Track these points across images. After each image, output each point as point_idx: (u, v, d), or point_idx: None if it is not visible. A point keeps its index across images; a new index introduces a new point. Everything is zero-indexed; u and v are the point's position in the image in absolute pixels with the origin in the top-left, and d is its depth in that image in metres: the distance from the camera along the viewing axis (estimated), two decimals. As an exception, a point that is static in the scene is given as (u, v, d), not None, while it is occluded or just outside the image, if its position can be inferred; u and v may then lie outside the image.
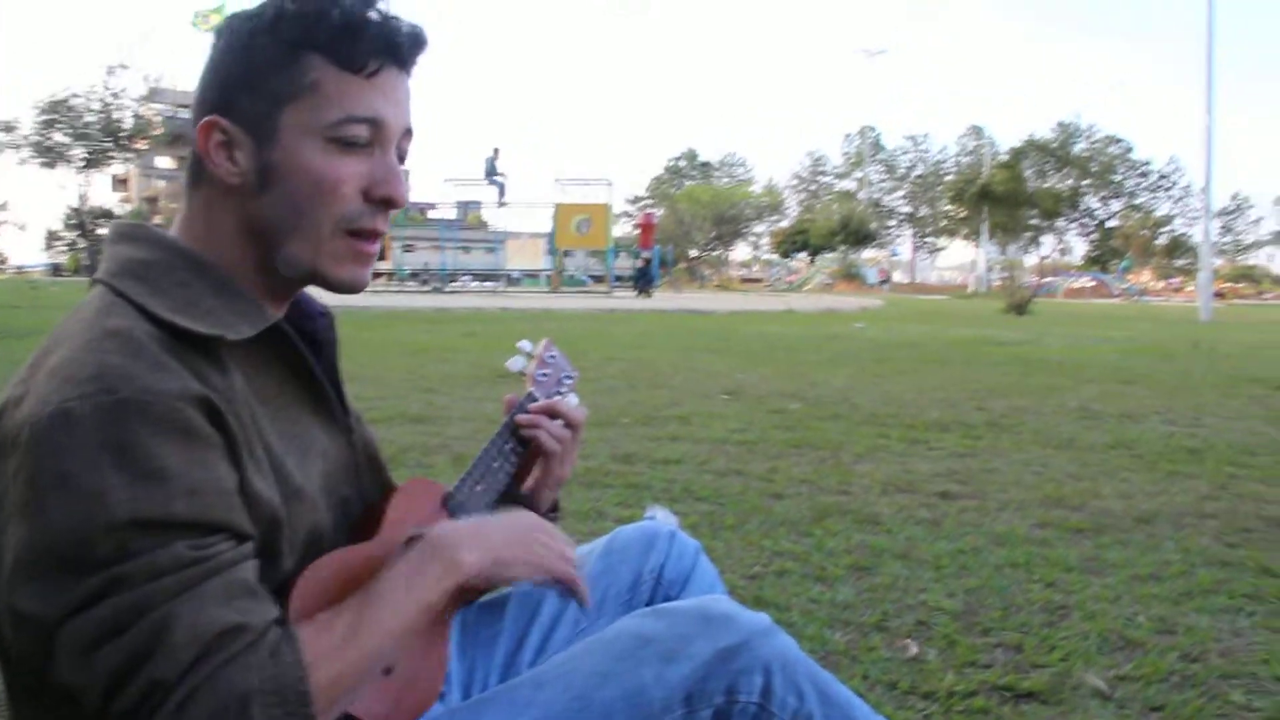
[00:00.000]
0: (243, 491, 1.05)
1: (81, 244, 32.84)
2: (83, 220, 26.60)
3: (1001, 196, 57.85)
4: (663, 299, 28.20)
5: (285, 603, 1.07)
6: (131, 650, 0.93)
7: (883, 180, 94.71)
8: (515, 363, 1.59)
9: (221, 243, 1.16)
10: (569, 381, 1.62)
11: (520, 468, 1.49)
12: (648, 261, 33.79)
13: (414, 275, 39.63)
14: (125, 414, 0.97)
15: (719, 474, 4.75)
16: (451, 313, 20.35)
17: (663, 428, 5.99)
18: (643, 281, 32.67)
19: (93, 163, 23.97)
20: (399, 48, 1.16)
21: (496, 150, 36.19)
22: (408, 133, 1.20)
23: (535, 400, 1.52)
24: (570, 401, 1.58)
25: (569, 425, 1.50)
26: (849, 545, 3.60)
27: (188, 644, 0.94)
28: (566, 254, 40.02)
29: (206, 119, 1.13)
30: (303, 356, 1.20)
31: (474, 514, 1.31)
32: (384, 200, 1.18)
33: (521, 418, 1.49)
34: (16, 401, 1.03)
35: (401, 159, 1.21)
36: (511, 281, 41.04)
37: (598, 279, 41.70)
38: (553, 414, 1.50)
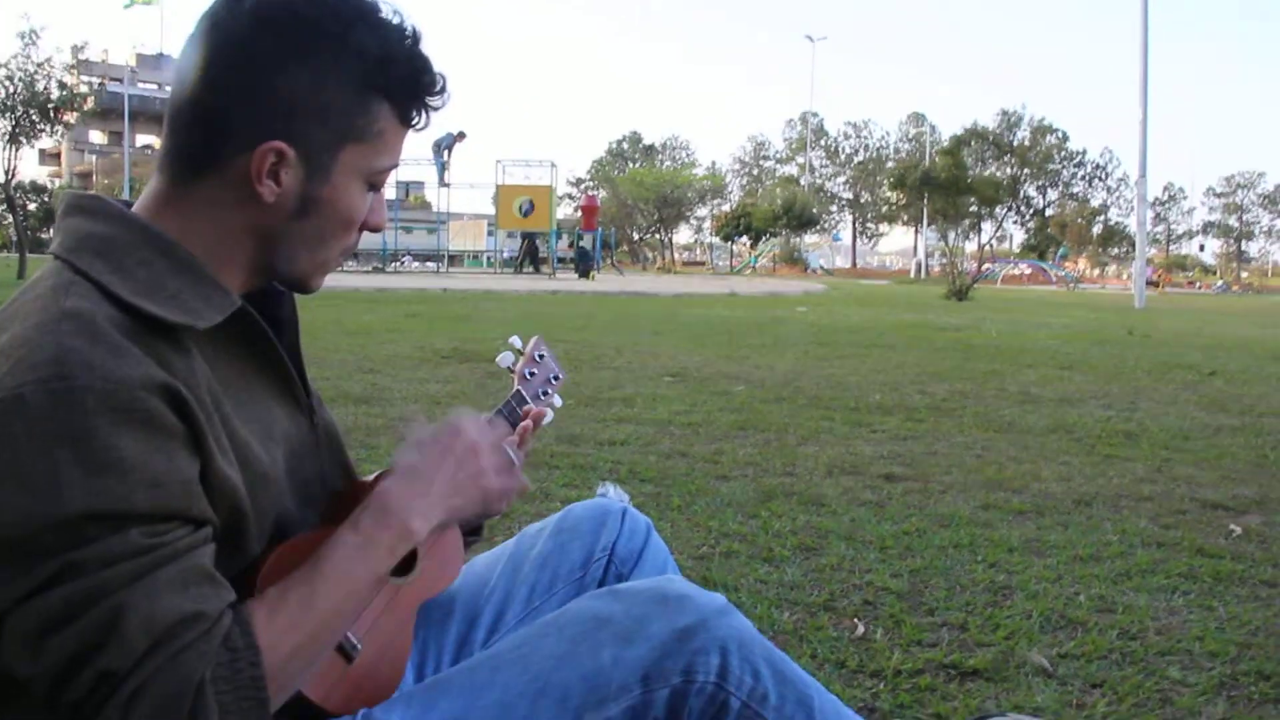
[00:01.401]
0: (205, 480, 1.02)
1: (9, 220, 32.03)
2: (10, 195, 25.88)
3: (943, 183, 58.40)
4: (605, 282, 28.15)
5: (249, 587, 1.05)
6: (82, 639, 0.91)
7: (825, 166, 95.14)
8: (504, 358, 1.57)
9: (210, 233, 1.12)
10: (555, 383, 1.61)
11: None
12: (585, 244, 33.73)
13: (354, 255, 39.20)
14: (83, 402, 0.93)
15: (664, 455, 4.76)
16: (393, 293, 20.18)
17: (607, 409, 5.98)
18: (583, 264, 32.60)
19: (17, 136, 23.25)
20: (436, 109, 1.20)
21: (461, 134, 35.38)
22: None
23: (524, 400, 1.51)
24: (554, 403, 1.58)
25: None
26: (795, 526, 3.62)
27: (141, 633, 0.92)
28: (510, 235, 39.82)
29: (273, 145, 1.08)
30: (267, 339, 1.18)
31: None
32: (373, 228, 1.23)
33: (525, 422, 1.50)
34: None
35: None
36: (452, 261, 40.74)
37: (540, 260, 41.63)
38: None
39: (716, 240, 78.25)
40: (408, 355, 8.56)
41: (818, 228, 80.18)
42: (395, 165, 1.21)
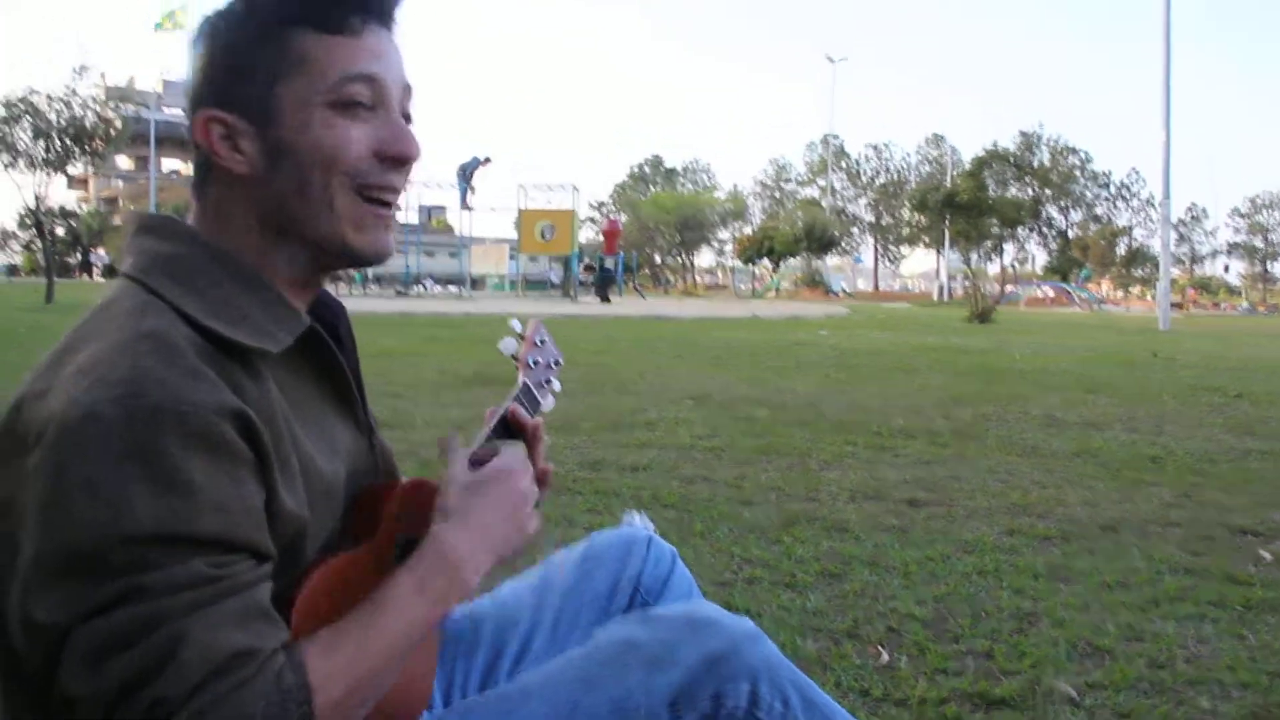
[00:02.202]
0: (270, 509, 1.02)
1: (39, 244, 32.38)
2: (40, 220, 26.22)
3: (964, 205, 58.30)
4: (627, 305, 28.18)
5: (289, 611, 1.05)
6: (140, 664, 0.90)
7: (846, 188, 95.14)
8: (507, 344, 1.55)
9: (242, 238, 1.13)
10: (557, 367, 1.60)
11: None
12: (605, 267, 33.69)
13: (376, 279, 39.34)
14: (157, 422, 0.93)
15: (687, 480, 4.75)
16: (415, 317, 20.25)
17: (629, 434, 5.98)
18: (602, 287, 32.57)
19: (52, 162, 23.66)
20: (378, 2, 1.14)
21: (487, 159, 35.43)
22: (407, 89, 1.19)
23: (529, 391, 1.50)
24: (555, 389, 1.57)
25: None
26: (818, 552, 3.61)
27: (197, 664, 0.91)
28: (532, 259, 39.94)
29: (204, 113, 1.11)
30: (334, 356, 1.19)
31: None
32: (397, 158, 1.15)
33: (528, 424, 1.44)
34: (38, 396, 0.99)
35: (407, 118, 1.18)
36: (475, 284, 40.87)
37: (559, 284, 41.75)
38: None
39: (738, 263, 78.32)
40: (430, 379, 8.59)
41: (839, 250, 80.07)
42: (349, 75, 1.11)
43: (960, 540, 3.80)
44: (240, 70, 1.11)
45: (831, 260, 75.83)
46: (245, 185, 1.12)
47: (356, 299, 29.27)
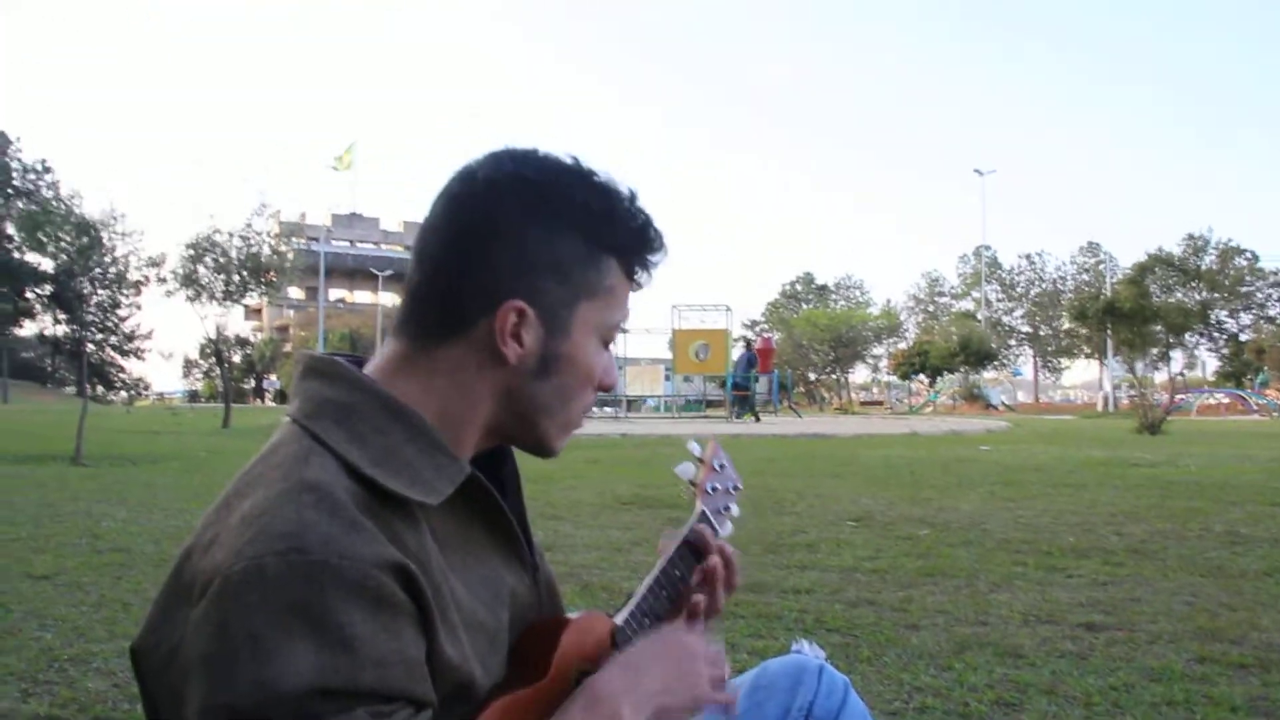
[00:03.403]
0: (431, 659, 1.03)
1: (217, 372, 34.11)
2: (219, 349, 27.76)
3: (1127, 313, 56.44)
4: (783, 424, 27.95)
5: None
6: None
7: (1001, 300, 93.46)
8: (685, 469, 1.55)
9: (453, 396, 1.16)
10: (735, 492, 1.58)
11: (681, 596, 1.44)
12: (745, 385, 33.51)
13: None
14: (319, 577, 0.95)
15: (851, 604, 4.65)
16: (573, 439, 20.37)
17: (790, 556, 5.90)
18: (744, 405, 32.32)
19: (232, 294, 25.19)
20: (656, 265, 1.24)
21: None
22: None
23: (707, 520, 1.49)
24: (734, 514, 1.56)
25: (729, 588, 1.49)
26: (991, 679, 3.47)
27: None
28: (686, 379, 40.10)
29: (514, 304, 1.14)
30: (494, 501, 1.19)
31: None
32: (609, 387, 1.25)
33: (712, 560, 1.45)
34: (207, 546, 1.02)
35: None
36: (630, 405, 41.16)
37: (713, 404, 41.71)
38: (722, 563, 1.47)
39: (893, 379, 77.25)
40: (589, 501, 8.65)
41: (997, 363, 78.31)
42: (625, 321, 1.24)
43: (1145, 668, 3.60)
44: (562, 274, 1.16)
45: (988, 373, 74.10)
46: (502, 368, 1.16)
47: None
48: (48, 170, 67.22)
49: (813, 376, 78.69)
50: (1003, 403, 63.63)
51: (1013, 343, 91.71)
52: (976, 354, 64.40)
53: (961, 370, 66.60)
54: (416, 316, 1.17)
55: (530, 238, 1.14)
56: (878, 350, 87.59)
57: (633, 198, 1.19)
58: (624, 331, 1.27)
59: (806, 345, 77.37)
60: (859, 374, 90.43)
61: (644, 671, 1.19)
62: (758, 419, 30.12)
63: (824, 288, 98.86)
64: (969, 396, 61.75)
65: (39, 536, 6.65)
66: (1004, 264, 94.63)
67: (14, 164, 66.72)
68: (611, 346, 1.25)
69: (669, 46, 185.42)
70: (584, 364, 1.19)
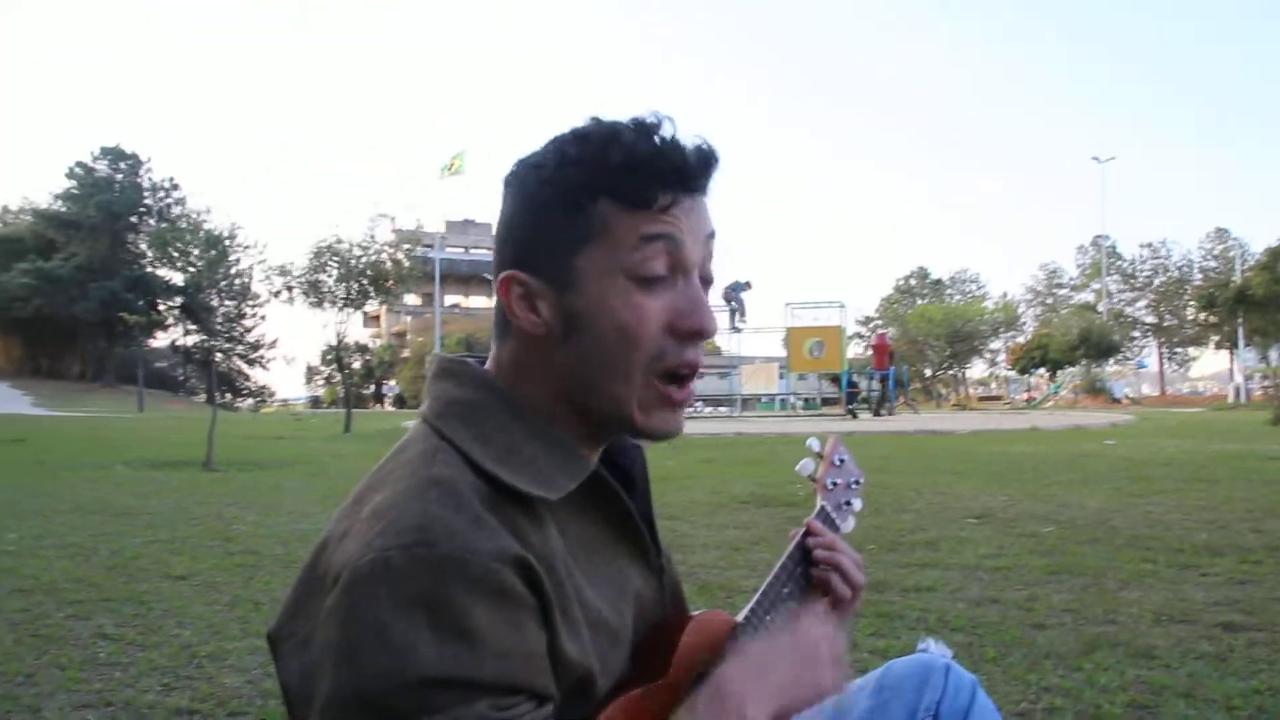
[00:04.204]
0: (552, 654, 1.04)
1: (338, 378, 35.04)
2: (340, 355, 28.48)
3: (1260, 300, 54.26)
4: (901, 421, 27.54)
5: None
6: None
7: (1122, 290, 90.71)
8: (805, 466, 1.53)
9: (536, 388, 1.16)
10: (857, 487, 1.57)
11: (802, 592, 1.43)
12: (854, 382, 33.18)
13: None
14: (443, 570, 0.97)
15: (974, 603, 4.56)
16: (688, 439, 20.49)
17: (910, 554, 5.82)
18: (852, 402, 32.09)
19: (352, 301, 25.86)
20: (687, 176, 1.12)
21: (748, 283, 36.11)
22: (710, 238, 1.17)
23: (827, 515, 1.48)
24: (856, 508, 1.54)
25: (850, 584, 1.44)
26: (1123, 681, 3.38)
27: None
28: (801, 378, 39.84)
29: (504, 274, 1.15)
30: (620, 501, 1.20)
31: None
32: (690, 333, 1.14)
33: (819, 554, 1.42)
34: (339, 537, 1.05)
35: (706, 280, 1.17)
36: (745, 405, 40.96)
37: (829, 401, 41.35)
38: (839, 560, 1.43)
39: (1012, 373, 75.62)
40: (705, 501, 8.64)
41: (1119, 356, 76.06)
42: (646, 236, 1.10)
43: (1288, 669, 3.47)
44: (543, 234, 1.14)
45: (1111, 366, 72.02)
46: (540, 346, 1.15)
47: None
48: (175, 187, 70.09)
49: (929, 372, 77.55)
50: (1126, 396, 61.81)
51: (1136, 334, 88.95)
52: (1098, 346, 62.68)
53: (1082, 363, 64.88)
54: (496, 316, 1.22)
55: (516, 212, 1.16)
56: (995, 345, 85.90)
57: (620, 129, 1.11)
58: (663, 242, 1.10)
59: (922, 341, 76.24)
60: (976, 369, 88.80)
61: (769, 667, 1.18)
62: (854, 416, 29.86)
63: (939, 282, 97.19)
64: (1091, 390, 60.07)
65: (175, 539, 6.90)
66: (1124, 254, 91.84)
67: (145, 183, 69.69)
68: (683, 284, 1.13)
69: (782, 46, 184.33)
70: (609, 312, 1.11)
